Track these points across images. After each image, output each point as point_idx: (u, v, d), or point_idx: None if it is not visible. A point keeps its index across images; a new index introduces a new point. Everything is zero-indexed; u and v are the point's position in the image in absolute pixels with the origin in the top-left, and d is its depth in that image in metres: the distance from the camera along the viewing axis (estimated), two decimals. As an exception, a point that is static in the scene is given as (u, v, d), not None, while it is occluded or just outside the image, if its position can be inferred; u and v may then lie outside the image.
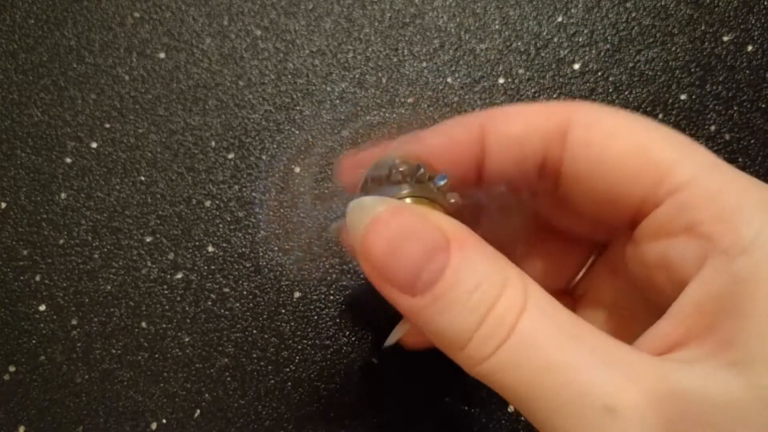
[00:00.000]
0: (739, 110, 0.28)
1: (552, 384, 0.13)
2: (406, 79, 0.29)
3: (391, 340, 0.22)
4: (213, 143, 0.28)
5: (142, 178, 0.28)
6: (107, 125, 0.28)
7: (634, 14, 0.29)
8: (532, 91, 0.28)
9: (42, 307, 0.27)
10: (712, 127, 0.28)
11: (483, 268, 0.15)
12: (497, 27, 0.29)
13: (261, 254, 0.27)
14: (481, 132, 0.18)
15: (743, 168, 0.27)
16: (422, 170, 0.17)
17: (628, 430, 0.12)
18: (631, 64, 0.28)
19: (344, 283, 0.27)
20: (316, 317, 0.27)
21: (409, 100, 0.28)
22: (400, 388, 0.26)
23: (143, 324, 0.27)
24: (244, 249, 0.27)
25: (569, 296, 0.22)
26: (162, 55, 0.29)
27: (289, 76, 0.29)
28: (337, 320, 0.27)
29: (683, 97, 0.28)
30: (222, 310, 0.27)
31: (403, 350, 0.23)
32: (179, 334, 0.26)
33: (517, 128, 0.18)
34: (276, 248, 0.27)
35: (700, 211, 0.15)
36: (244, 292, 0.27)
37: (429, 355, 0.24)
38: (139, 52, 0.29)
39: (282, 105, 0.29)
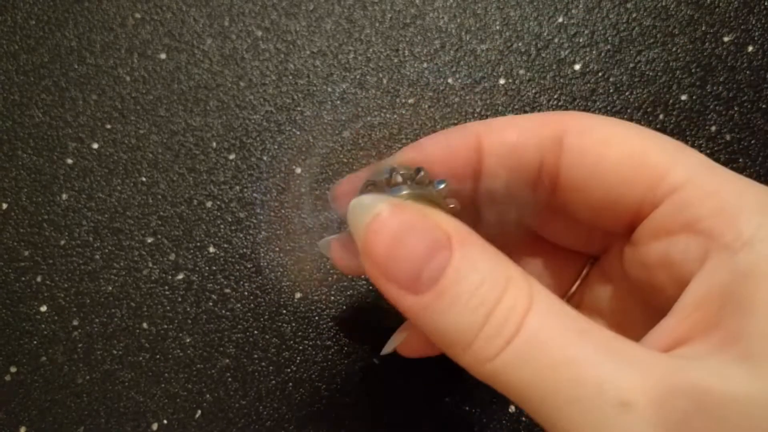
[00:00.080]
0: (740, 111, 0.28)
1: (564, 381, 0.13)
2: (407, 80, 0.29)
3: (388, 348, 0.22)
4: (214, 144, 0.28)
5: (144, 179, 0.28)
6: (108, 126, 0.29)
7: (634, 15, 0.29)
8: (533, 91, 0.28)
9: (43, 308, 0.27)
10: (713, 128, 0.28)
11: (485, 266, 0.14)
12: (498, 28, 0.29)
13: (262, 255, 0.27)
14: (478, 141, 0.18)
15: (744, 168, 0.28)
16: (422, 173, 0.17)
17: (643, 424, 0.12)
18: (631, 65, 0.28)
19: (345, 283, 0.27)
20: (317, 318, 0.27)
21: (410, 101, 0.28)
22: (400, 388, 0.26)
23: (144, 325, 0.27)
24: (245, 250, 0.27)
25: None
26: (163, 56, 0.29)
27: (290, 77, 0.29)
28: (338, 321, 0.27)
29: (684, 97, 0.28)
30: (223, 311, 0.27)
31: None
32: (180, 334, 0.27)
33: (513, 137, 0.18)
34: (277, 249, 0.27)
35: (699, 209, 0.15)
36: (246, 293, 0.27)
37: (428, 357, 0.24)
38: (140, 53, 0.29)
39: (283, 106, 0.29)
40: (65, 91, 0.29)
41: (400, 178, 0.17)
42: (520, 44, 0.29)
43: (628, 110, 0.28)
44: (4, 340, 0.27)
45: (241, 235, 0.27)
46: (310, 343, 0.26)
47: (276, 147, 0.28)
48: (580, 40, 0.29)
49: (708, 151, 0.28)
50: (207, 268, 0.27)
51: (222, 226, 0.27)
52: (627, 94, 0.28)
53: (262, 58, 0.29)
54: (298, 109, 0.28)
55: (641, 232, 0.17)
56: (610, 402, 0.12)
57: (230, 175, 0.28)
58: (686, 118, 0.28)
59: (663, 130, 0.28)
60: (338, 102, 0.28)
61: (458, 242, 0.15)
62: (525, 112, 0.28)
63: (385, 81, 0.29)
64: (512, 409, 0.26)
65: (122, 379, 0.26)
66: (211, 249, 0.27)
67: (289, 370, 0.26)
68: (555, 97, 0.28)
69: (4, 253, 0.27)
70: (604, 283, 0.20)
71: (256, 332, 0.27)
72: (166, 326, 0.27)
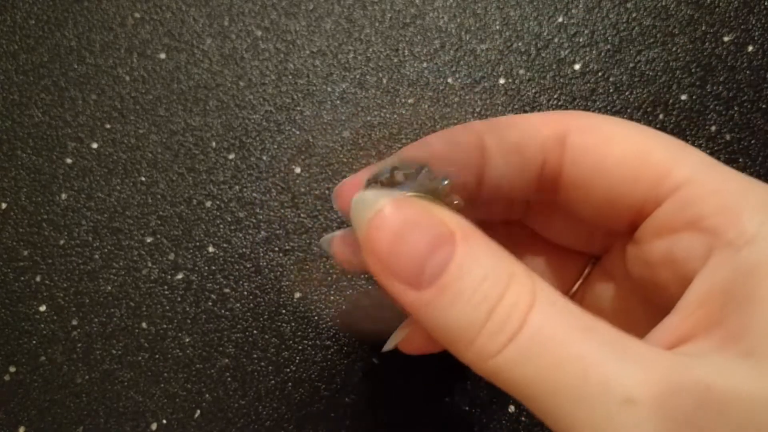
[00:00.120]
0: (740, 110, 0.28)
1: (568, 377, 0.13)
2: (407, 80, 0.29)
3: (389, 345, 0.22)
4: (214, 144, 0.28)
5: (143, 179, 0.28)
6: (108, 126, 0.28)
7: (634, 15, 0.29)
8: (533, 91, 0.28)
9: (42, 308, 0.27)
10: (713, 128, 0.28)
11: (488, 262, 0.14)
12: (498, 27, 0.29)
13: (261, 255, 0.27)
14: (480, 139, 0.18)
15: (744, 168, 0.28)
16: (425, 170, 0.17)
17: (647, 421, 0.12)
18: (631, 65, 0.28)
19: (345, 283, 0.27)
20: (316, 318, 0.27)
21: (410, 101, 0.28)
22: (400, 388, 0.26)
23: (144, 324, 0.27)
24: (244, 249, 0.27)
25: None
26: (163, 56, 0.29)
27: (290, 77, 0.29)
28: (338, 321, 0.27)
29: (684, 97, 0.28)
30: (222, 311, 0.27)
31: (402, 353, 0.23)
32: (180, 334, 0.26)
33: (516, 135, 0.18)
34: (277, 249, 0.27)
35: (702, 206, 0.15)
36: (245, 293, 0.27)
37: (429, 355, 0.24)
38: (140, 53, 0.29)
39: (282, 105, 0.29)
40: (65, 91, 0.29)
41: (402, 175, 0.17)
42: (519, 44, 0.29)
43: (628, 110, 0.28)
44: (3, 340, 0.27)
45: (241, 235, 0.27)
46: (310, 342, 0.26)
47: (275, 147, 0.28)
48: (580, 40, 0.29)
49: (708, 151, 0.28)
50: (206, 267, 0.27)
51: (221, 226, 0.27)
52: (627, 93, 0.28)
53: (261, 57, 0.29)
54: (298, 108, 0.28)
55: (644, 230, 0.17)
56: (614, 399, 0.12)
57: (230, 175, 0.28)
58: (686, 118, 0.28)
59: (663, 129, 0.28)
60: (338, 102, 0.28)
61: (461, 238, 0.14)
62: (525, 111, 0.28)
63: (384, 81, 0.29)
64: (512, 409, 0.26)
65: (121, 378, 0.26)
66: (211, 249, 0.27)
67: (288, 369, 0.26)
68: (555, 96, 0.28)
69: (3, 253, 0.27)
70: (605, 282, 0.20)
71: (255, 332, 0.26)
72: (165, 326, 0.27)
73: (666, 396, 0.12)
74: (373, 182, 0.18)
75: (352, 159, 0.28)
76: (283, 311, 0.27)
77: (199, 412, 0.26)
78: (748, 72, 0.28)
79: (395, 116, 0.28)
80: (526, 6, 0.29)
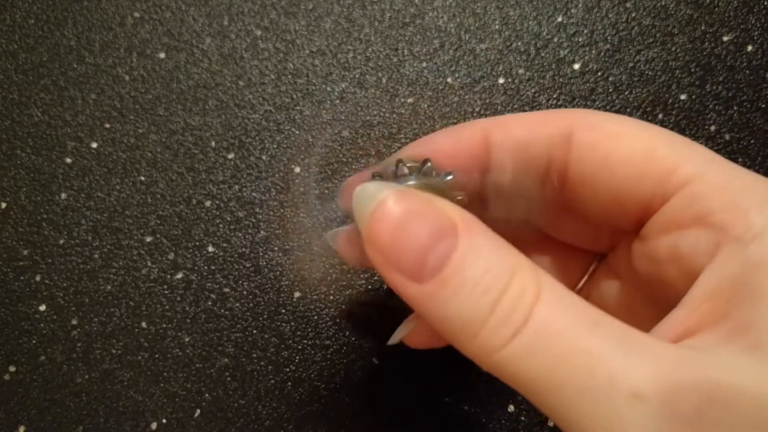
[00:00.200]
0: (739, 110, 0.28)
1: (575, 372, 0.13)
2: (406, 79, 0.29)
3: (395, 338, 0.22)
4: (213, 143, 0.28)
5: (142, 178, 0.28)
6: (107, 125, 0.28)
7: (634, 14, 0.29)
8: (532, 91, 0.28)
9: (42, 307, 0.27)
10: (712, 127, 0.28)
11: (491, 254, 0.14)
12: (497, 27, 0.29)
13: (261, 254, 0.27)
14: (486, 136, 0.18)
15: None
16: (429, 164, 0.17)
17: (654, 416, 0.12)
18: (631, 64, 0.28)
19: (344, 282, 0.27)
20: (316, 317, 0.27)
21: (409, 100, 0.28)
22: (400, 388, 0.26)
23: (143, 324, 0.27)
24: (244, 249, 0.27)
25: None
26: (162, 55, 0.29)
27: (289, 76, 0.29)
28: (337, 320, 0.27)
29: (683, 97, 0.28)
30: (222, 310, 0.27)
31: (403, 350, 0.23)
32: (179, 334, 0.26)
33: (522, 132, 0.18)
34: (276, 248, 0.27)
35: (709, 202, 0.15)
36: (244, 292, 0.27)
37: (429, 355, 0.24)
38: (139, 52, 0.29)
39: (282, 105, 0.29)
40: (64, 90, 0.29)
41: (406, 170, 0.17)
42: (519, 44, 0.29)
43: (628, 110, 0.28)
44: (3, 340, 0.27)
45: (240, 235, 0.27)
46: (309, 342, 0.26)
47: (275, 146, 0.28)
48: (580, 40, 0.29)
49: (707, 151, 0.28)
50: (206, 267, 0.27)
51: (221, 226, 0.27)
52: (626, 93, 0.28)
53: (261, 57, 0.29)
54: (297, 108, 0.28)
55: (651, 227, 0.17)
56: (622, 394, 0.12)
57: (229, 175, 0.28)
58: (685, 118, 0.28)
59: (662, 129, 0.28)
60: (337, 101, 0.28)
61: (464, 229, 0.14)
62: (524, 111, 0.28)
63: (384, 80, 0.29)
64: (511, 408, 0.26)
65: (121, 378, 0.26)
66: (210, 248, 0.27)
67: (288, 369, 0.26)
68: (554, 96, 0.28)
69: (3, 252, 0.27)
70: (611, 280, 0.20)
71: (255, 331, 0.26)
72: (165, 325, 0.27)
73: (673, 391, 0.12)
74: (378, 177, 0.18)
75: (352, 158, 0.28)
76: (283, 311, 0.27)
77: (198, 411, 0.26)
78: (747, 72, 0.28)
79: (395, 116, 0.28)
80: (525, 6, 0.29)
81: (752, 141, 0.28)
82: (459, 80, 0.29)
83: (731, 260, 0.14)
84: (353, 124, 0.28)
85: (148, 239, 0.27)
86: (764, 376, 0.12)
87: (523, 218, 0.21)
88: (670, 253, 0.16)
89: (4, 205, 0.28)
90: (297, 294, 0.27)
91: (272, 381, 0.26)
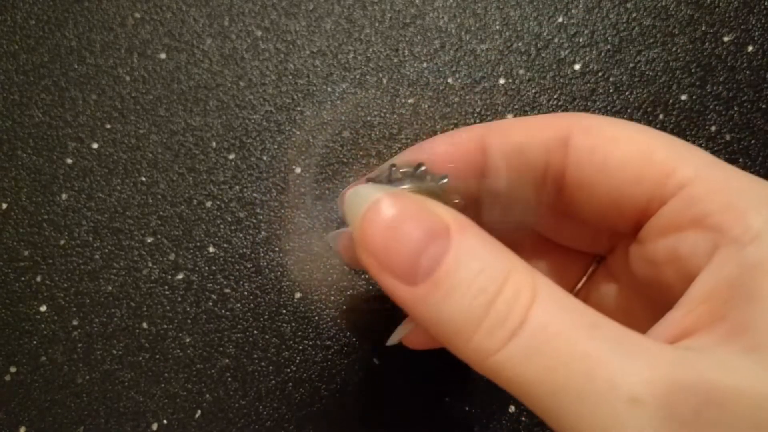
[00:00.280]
0: (740, 111, 0.28)
1: (574, 376, 0.13)
2: (407, 80, 0.29)
3: (393, 339, 0.22)
4: (214, 144, 0.28)
5: (143, 179, 0.28)
6: (108, 126, 0.28)
7: (634, 15, 0.29)
8: (533, 91, 0.28)
9: (43, 308, 0.27)
10: (713, 128, 0.28)
11: (485, 256, 0.14)
12: (498, 27, 0.29)
13: (262, 255, 0.27)
14: (482, 141, 0.18)
15: (743, 168, 0.27)
16: (423, 168, 0.17)
17: (653, 419, 0.12)
18: (631, 65, 0.28)
19: (345, 283, 0.27)
20: (317, 318, 0.27)
21: (410, 101, 0.28)
22: (400, 388, 0.26)
23: (144, 325, 0.27)
24: (245, 250, 0.27)
25: None
26: (163, 56, 0.29)
27: (290, 77, 0.29)
28: (338, 321, 0.27)
29: (684, 97, 0.28)
30: (223, 311, 0.27)
31: (403, 350, 0.23)
32: (180, 334, 0.26)
33: (518, 137, 0.18)
34: (277, 249, 0.27)
35: (707, 204, 0.15)
36: (245, 293, 0.27)
37: (429, 355, 0.24)
38: (140, 53, 0.29)
39: (283, 105, 0.29)
40: (65, 91, 0.29)
41: (401, 173, 0.17)
42: (519, 44, 0.29)
43: (628, 110, 0.28)
44: (3, 340, 0.27)
45: (241, 235, 0.27)
46: (310, 342, 0.26)
47: (276, 147, 0.28)
48: (580, 40, 0.29)
49: (708, 151, 0.28)
50: (207, 267, 0.27)
51: (222, 226, 0.27)
52: (627, 94, 0.28)
53: (261, 57, 0.29)
54: (298, 108, 0.28)
55: (648, 230, 0.17)
56: (620, 398, 0.12)
57: (230, 175, 0.28)
58: (686, 118, 0.28)
59: (663, 130, 0.28)
60: (338, 102, 0.28)
61: (457, 231, 0.14)
62: (525, 111, 0.28)
63: (384, 81, 0.29)
64: (512, 409, 0.26)
65: (122, 379, 0.26)
66: (211, 249, 0.27)
67: (288, 370, 0.26)
68: (555, 97, 0.28)
69: (3, 253, 0.27)
70: (609, 283, 0.20)
71: (255, 332, 0.27)
72: (165, 326, 0.27)
73: (670, 393, 0.12)
74: (374, 181, 0.18)
75: (353, 159, 0.28)
76: (284, 311, 0.27)
77: (199, 412, 0.26)
78: (748, 72, 0.28)
79: (395, 116, 0.28)
80: (526, 6, 0.29)
81: (753, 141, 0.28)
82: (459, 81, 0.29)
83: (729, 262, 0.14)
84: (354, 124, 0.28)
85: (149, 240, 0.27)
86: (761, 377, 0.12)
87: (520, 221, 0.21)
88: (668, 256, 0.16)
89: (4, 205, 0.28)
90: (298, 295, 0.27)
91: (273, 381, 0.26)
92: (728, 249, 0.14)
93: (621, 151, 0.17)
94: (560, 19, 0.29)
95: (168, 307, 0.27)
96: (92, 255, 0.27)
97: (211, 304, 0.27)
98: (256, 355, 0.26)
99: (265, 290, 0.27)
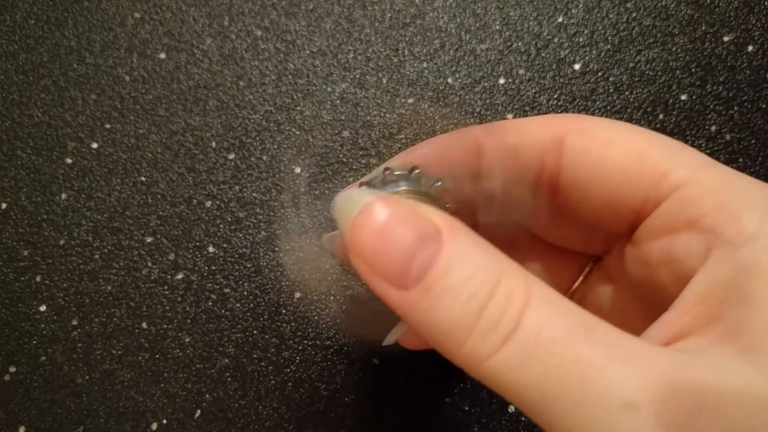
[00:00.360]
0: (740, 110, 0.28)
1: (568, 381, 0.12)
2: (407, 80, 0.29)
3: (389, 339, 0.22)
4: (214, 144, 0.28)
5: (143, 179, 0.28)
6: (108, 126, 0.28)
7: (634, 14, 0.29)
8: (533, 91, 0.28)
9: (42, 308, 0.27)
10: (713, 128, 0.28)
11: (477, 259, 0.14)
12: (498, 27, 0.29)
13: (262, 255, 0.27)
14: (476, 143, 0.18)
15: (743, 168, 0.28)
16: (417, 171, 0.17)
17: (648, 425, 0.12)
18: (631, 65, 0.28)
19: (345, 283, 0.27)
20: (316, 318, 0.27)
21: (410, 101, 0.28)
22: (400, 388, 0.26)
23: (144, 324, 0.27)
24: (244, 249, 0.27)
25: None
26: (162, 56, 0.29)
27: (290, 77, 0.29)
28: (338, 321, 0.27)
29: (684, 97, 0.28)
30: (223, 311, 0.27)
31: (403, 350, 0.23)
32: (180, 334, 0.26)
33: (514, 139, 0.18)
34: (277, 249, 0.27)
35: (702, 205, 0.15)
36: (245, 293, 0.27)
37: (429, 355, 0.24)
38: (140, 53, 0.29)
39: (282, 105, 0.29)
40: (64, 91, 0.29)
41: (394, 176, 0.17)
42: (519, 44, 0.29)
43: (628, 110, 0.28)
44: (3, 340, 0.27)
45: (241, 235, 0.27)
46: (310, 342, 0.26)
47: (275, 147, 0.28)
48: (580, 40, 0.29)
49: (708, 151, 0.28)
50: (206, 267, 0.27)
51: (221, 226, 0.27)
52: (627, 93, 0.28)
53: (261, 57, 0.29)
54: (298, 108, 0.28)
55: (643, 231, 0.17)
56: (615, 403, 0.12)
57: (230, 175, 0.28)
58: (686, 118, 0.28)
59: (663, 129, 0.28)
60: (338, 101, 0.28)
61: (448, 234, 0.14)
62: (525, 111, 0.28)
63: (384, 80, 0.29)
64: (512, 409, 0.26)
65: (122, 378, 0.26)
66: (211, 249, 0.27)
67: (288, 369, 0.26)
68: (555, 96, 0.28)
69: (3, 253, 0.27)
70: (605, 284, 0.20)
71: (255, 332, 0.26)
72: (165, 326, 0.27)
73: (665, 399, 0.12)
74: (367, 185, 0.18)
75: (352, 159, 0.28)
76: (283, 311, 0.27)
77: (199, 412, 0.26)
78: (748, 72, 0.28)
79: (395, 116, 0.28)
80: (526, 6, 0.29)
81: (753, 141, 0.28)
82: (459, 80, 0.29)
83: (723, 263, 0.14)
84: (353, 124, 0.28)
85: (149, 240, 0.27)
86: (756, 379, 0.12)
87: (516, 223, 0.21)
88: (663, 257, 0.16)
89: (4, 205, 0.28)
90: (297, 294, 0.27)
91: (273, 381, 0.26)
92: (722, 251, 0.14)
93: (616, 153, 0.17)
94: (560, 19, 0.29)
95: (168, 307, 0.27)
96: (92, 255, 0.27)
97: (210, 303, 0.27)
98: (255, 355, 0.26)
99: (265, 290, 0.27)
